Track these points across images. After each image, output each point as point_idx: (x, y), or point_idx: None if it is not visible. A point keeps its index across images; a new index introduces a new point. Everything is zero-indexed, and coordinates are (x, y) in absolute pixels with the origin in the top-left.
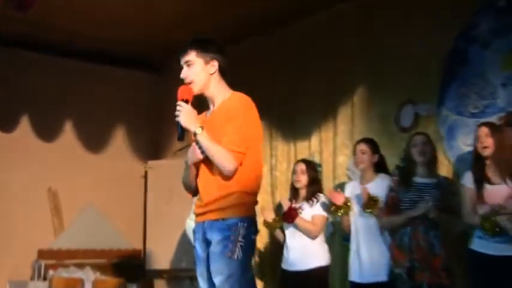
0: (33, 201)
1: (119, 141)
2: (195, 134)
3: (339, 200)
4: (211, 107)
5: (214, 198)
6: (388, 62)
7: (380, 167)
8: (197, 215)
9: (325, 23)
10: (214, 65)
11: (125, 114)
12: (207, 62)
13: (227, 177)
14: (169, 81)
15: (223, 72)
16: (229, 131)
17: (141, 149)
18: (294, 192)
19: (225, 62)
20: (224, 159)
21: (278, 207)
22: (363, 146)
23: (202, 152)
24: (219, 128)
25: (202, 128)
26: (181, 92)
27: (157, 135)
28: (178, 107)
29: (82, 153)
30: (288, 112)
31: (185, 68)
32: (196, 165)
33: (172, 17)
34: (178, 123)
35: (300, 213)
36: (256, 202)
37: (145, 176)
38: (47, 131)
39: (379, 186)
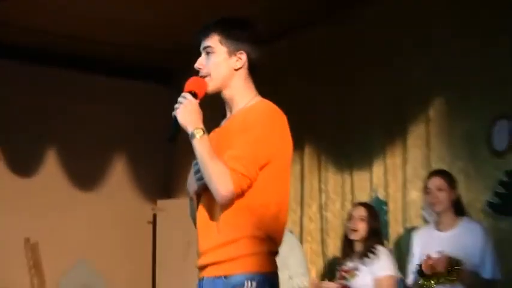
0: (5, 256)
1: (118, 174)
2: (191, 137)
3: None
4: (228, 113)
5: (214, 246)
6: (475, 65)
7: (458, 207)
8: (198, 268)
9: (382, 14)
10: (242, 58)
11: (127, 138)
12: (232, 53)
13: (232, 215)
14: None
15: (252, 68)
16: (237, 145)
17: (147, 185)
18: (348, 245)
19: (257, 56)
20: (219, 179)
21: None
22: (438, 181)
23: (201, 179)
24: (230, 142)
25: (203, 132)
26: (190, 82)
27: (169, 166)
28: (180, 98)
29: (69, 192)
30: (342, 134)
31: (203, 55)
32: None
33: (190, 14)
34: (174, 117)
35: (356, 275)
36: (275, 252)
37: (154, 221)
38: (22, 162)
39: (464, 237)
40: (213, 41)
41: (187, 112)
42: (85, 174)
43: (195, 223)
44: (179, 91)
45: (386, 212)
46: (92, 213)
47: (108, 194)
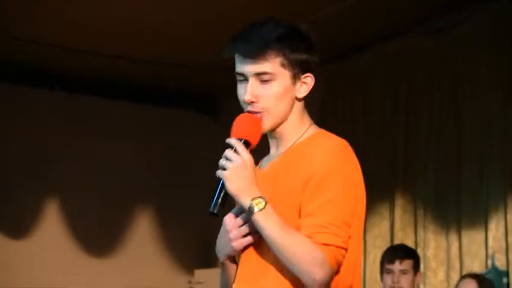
0: None
1: (143, 235)
2: (248, 212)
3: None
4: (272, 149)
5: None
6: None
7: None
8: None
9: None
10: (308, 82)
11: (155, 187)
12: (297, 77)
13: (295, 284)
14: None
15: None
16: (316, 208)
17: (182, 250)
18: None
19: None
20: (309, 261)
21: None
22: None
23: (250, 233)
24: (285, 192)
25: (265, 202)
26: (240, 124)
27: (211, 224)
28: (227, 151)
29: (75, 257)
30: (446, 180)
31: (254, 81)
32: (235, 261)
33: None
34: (219, 182)
35: None
36: None
37: None
38: (15, 220)
39: None
40: (274, 65)
41: (238, 176)
42: (96, 236)
43: None
44: (227, 125)
45: (507, 287)
46: (106, 287)
47: (130, 262)
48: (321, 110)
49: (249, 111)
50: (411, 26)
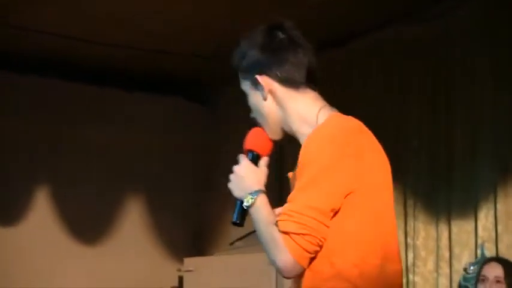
0: None
1: (134, 223)
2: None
3: None
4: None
5: None
6: None
7: None
8: None
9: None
10: (261, 81)
11: (145, 175)
12: (254, 86)
13: (322, 285)
14: (224, 116)
15: (290, 81)
16: (291, 194)
17: (172, 238)
18: None
19: (282, 65)
20: (271, 249)
21: None
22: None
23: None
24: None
25: (257, 194)
26: (248, 137)
27: (201, 214)
28: (234, 166)
29: (66, 245)
30: (436, 169)
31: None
32: None
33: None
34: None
35: None
36: None
37: (180, 286)
38: (4, 208)
39: None
40: (242, 85)
41: (237, 182)
42: (87, 223)
43: None
44: (220, 111)
45: None
46: (96, 274)
47: (120, 249)
48: None
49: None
50: (404, 14)
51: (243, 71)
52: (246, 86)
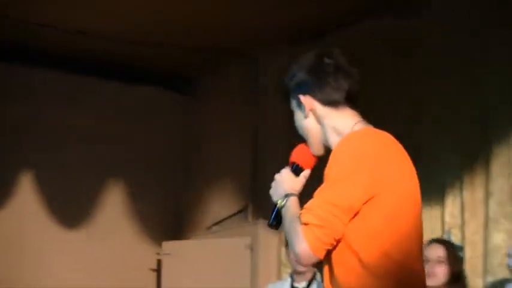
0: None
1: (114, 208)
2: (279, 209)
3: None
4: None
5: None
6: None
7: None
8: None
9: (458, 15)
10: (303, 101)
11: (126, 162)
12: (298, 106)
13: (350, 280)
14: (203, 105)
15: (329, 101)
16: (315, 194)
17: (151, 223)
18: None
19: (330, 87)
20: (292, 238)
21: None
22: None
23: None
24: None
25: (288, 196)
26: (294, 152)
27: (179, 199)
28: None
29: (50, 230)
30: None
31: None
32: None
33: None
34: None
35: None
36: None
37: (159, 269)
38: None
39: None
40: (291, 105)
41: (275, 188)
42: (68, 207)
43: None
44: (198, 101)
45: (462, 260)
46: (79, 258)
47: (100, 232)
48: None
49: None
50: (382, 7)
51: (291, 90)
52: (293, 104)
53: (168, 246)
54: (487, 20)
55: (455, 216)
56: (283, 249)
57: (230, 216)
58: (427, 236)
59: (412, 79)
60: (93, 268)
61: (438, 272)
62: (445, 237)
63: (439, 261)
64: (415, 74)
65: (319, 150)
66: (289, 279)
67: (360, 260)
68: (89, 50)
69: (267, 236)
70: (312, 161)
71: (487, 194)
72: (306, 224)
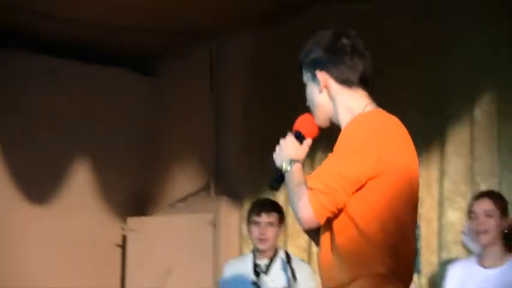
0: None
1: (80, 184)
2: (283, 173)
3: None
4: None
5: (338, 285)
6: None
7: (509, 239)
8: None
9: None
10: (319, 77)
11: (91, 138)
12: (313, 79)
13: (348, 249)
14: (168, 85)
15: (343, 80)
16: (323, 164)
17: (116, 199)
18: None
19: (345, 66)
20: (296, 201)
21: None
22: (488, 204)
23: None
24: None
25: (294, 162)
26: (297, 121)
27: (144, 176)
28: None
29: (15, 205)
30: None
31: None
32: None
33: None
34: (273, 163)
35: None
36: None
37: (124, 244)
38: None
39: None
40: (303, 75)
41: (279, 152)
42: (36, 183)
43: None
44: (162, 82)
45: (417, 237)
46: (46, 232)
47: (67, 208)
48: (250, 66)
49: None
50: None
51: (306, 64)
52: (306, 77)
53: (133, 222)
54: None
55: None
56: (244, 224)
57: (193, 194)
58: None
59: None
60: (60, 243)
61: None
62: None
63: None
64: (377, 54)
65: (324, 123)
66: (250, 256)
67: (359, 230)
68: (54, 32)
69: (229, 213)
70: (315, 132)
71: (442, 173)
72: (311, 189)
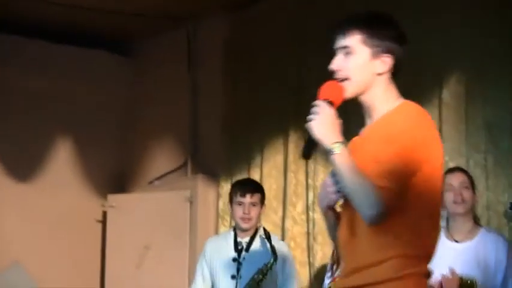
0: None
1: (62, 162)
2: (329, 153)
3: None
4: (367, 120)
5: (361, 266)
6: (497, 41)
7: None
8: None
9: None
10: (387, 61)
11: (73, 118)
12: (376, 55)
13: (380, 232)
14: (146, 67)
15: (396, 71)
16: (383, 158)
17: (97, 176)
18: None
19: (402, 58)
20: (364, 198)
21: None
22: (462, 177)
23: (339, 191)
24: (374, 154)
25: (343, 144)
26: (325, 88)
27: (123, 155)
28: (314, 108)
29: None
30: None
31: (339, 55)
32: (335, 211)
33: None
34: (308, 131)
35: None
36: (428, 274)
37: (104, 220)
38: None
39: (483, 251)
40: (354, 40)
41: (322, 125)
42: (20, 161)
43: (332, 239)
44: (140, 63)
45: None
46: (28, 209)
47: (49, 185)
48: (225, 52)
49: (334, 79)
50: None
51: (374, 39)
52: (357, 45)
53: (113, 198)
54: None
55: None
56: (221, 202)
57: (171, 172)
58: None
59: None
60: (42, 219)
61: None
62: None
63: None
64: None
65: (351, 95)
66: (231, 233)
67: (405, 214)
68: (35, 15)
69: (205, 190)
70: (341, 99)
71: None
72: (380, 188)
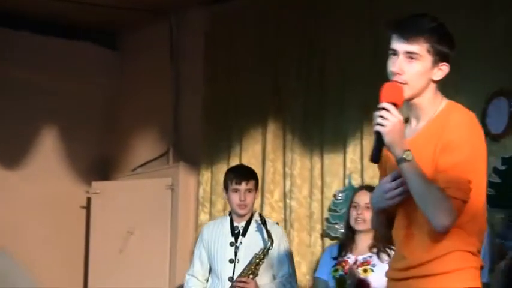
0: None
1: (46, 149)
2: (399, 161)
3: None
4: (414, 121)
5: (426, 260)
6: (468, 31)
7: None
8: (393, 279)
9: None
10: (444, 69)
11: (57, 107)
12: (436, 64)
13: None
14: (130, 58)
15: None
16: (449, 167)
17: (81, 163)
18: (349, 237)
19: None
20: (440, 209)
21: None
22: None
23: (402, 194)
24: (427, 157)
25: (412, 155)
26: (389, 91)
27: (107, 142)
28: (383, 112)
29: None
30: (311, 108)
31: (402, 58)
32: (389, 210)
33: None
34: (377, 135)
35: (372, 271)
36: (482, 267)
37: (88, 206)
38: None
39: None
40: (422, 48)
41: (393, 132)
42: (5, 148)
43: (381, 235)
44: (124, 55)
45: None
46: (13, 195)
47: (34, 172)
48: (206, 43)
49: (392, 81)
50: None
51: (438, 48)
52: (424, 53)
53: (97, 185)
54: None
55: (356, 162)
56: (201, 189)
57: (153, 159)
58: (329, 179)
59: (318, 32)
60: (28, 206)
61: (367, 217)
62: (346, 181)
63: (367, 207)
64: (324, 26)
65: (409, 98)
66: (228, 218)
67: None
68: (19, 7)
69: (186, 178)
70: (402, 103)
71: None
72: (455, 198)
